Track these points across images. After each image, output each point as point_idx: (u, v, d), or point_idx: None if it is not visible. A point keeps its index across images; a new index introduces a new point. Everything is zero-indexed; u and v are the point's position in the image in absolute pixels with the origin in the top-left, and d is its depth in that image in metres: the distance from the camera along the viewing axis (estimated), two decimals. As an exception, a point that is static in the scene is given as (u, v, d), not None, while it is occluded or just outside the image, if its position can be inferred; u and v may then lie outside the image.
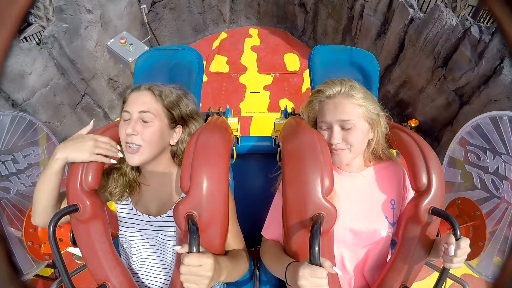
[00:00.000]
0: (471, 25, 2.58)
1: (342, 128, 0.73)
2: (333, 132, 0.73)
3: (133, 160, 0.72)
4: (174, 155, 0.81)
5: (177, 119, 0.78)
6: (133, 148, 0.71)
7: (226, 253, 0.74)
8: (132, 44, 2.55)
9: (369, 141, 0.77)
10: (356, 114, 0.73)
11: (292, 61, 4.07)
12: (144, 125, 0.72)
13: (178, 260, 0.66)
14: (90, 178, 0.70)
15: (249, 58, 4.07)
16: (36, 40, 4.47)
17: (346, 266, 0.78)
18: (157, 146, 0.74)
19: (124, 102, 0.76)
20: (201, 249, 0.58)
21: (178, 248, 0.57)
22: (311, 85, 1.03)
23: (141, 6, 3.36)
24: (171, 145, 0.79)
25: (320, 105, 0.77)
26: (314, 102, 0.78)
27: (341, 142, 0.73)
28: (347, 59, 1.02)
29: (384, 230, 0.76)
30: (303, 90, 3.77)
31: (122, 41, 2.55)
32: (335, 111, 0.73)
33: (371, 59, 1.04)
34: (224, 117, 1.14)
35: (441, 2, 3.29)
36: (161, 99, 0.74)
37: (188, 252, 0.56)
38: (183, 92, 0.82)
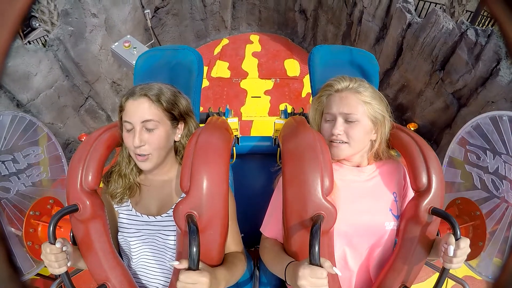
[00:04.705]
0: (467, 29, 2.61)
1: (346, 120, 0.75)
2: (336, 123, 0.75)
3: (146, 166, 0.74)
4: (176, 151, 0.82)
5: (178, 118, 0.79)
6: (143, 156, 0.73)
7: (224, 256, 0.74)
8: (136, 48, 2.58)
9: (372, 142, 0.78)
10: (361, 110, 0.74)
11: (293, 66, 4.10)
12: (149, 133, 0.72)
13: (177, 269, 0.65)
14: (90, 178, 0.70)
15: (250, 64, 4.11)
16: (40, 44, 4.53)
17: (349, 262, 0.77)
18: (165, 149, 0.76)
19: (120, 108, 0.75)
20: (200, 265, 0.58)
21: (176, 263, 0.58)
22: (311, 85, 1.04)
23: (145, 11, 3.41)
24: (175, 141, 0.81)
25: (328, 98, 0.79)
26: (323, 96, 0.81)
27: (343, 134, 0.74)
28: (347, 59, 1.03)
29: (389, 223, 0.75)
30: (303, 95, 3.79)
31: (126, 44, 2.59)
32: (340, 103, 0.75)
33: (371, 59, 1.04)
34: (224, 117, 1.14)
35: (440, 8, 3.33)
36: (160, 103, 0.73)
37: (186, 269, 0.56)
38: (177, 89, 0.83)
